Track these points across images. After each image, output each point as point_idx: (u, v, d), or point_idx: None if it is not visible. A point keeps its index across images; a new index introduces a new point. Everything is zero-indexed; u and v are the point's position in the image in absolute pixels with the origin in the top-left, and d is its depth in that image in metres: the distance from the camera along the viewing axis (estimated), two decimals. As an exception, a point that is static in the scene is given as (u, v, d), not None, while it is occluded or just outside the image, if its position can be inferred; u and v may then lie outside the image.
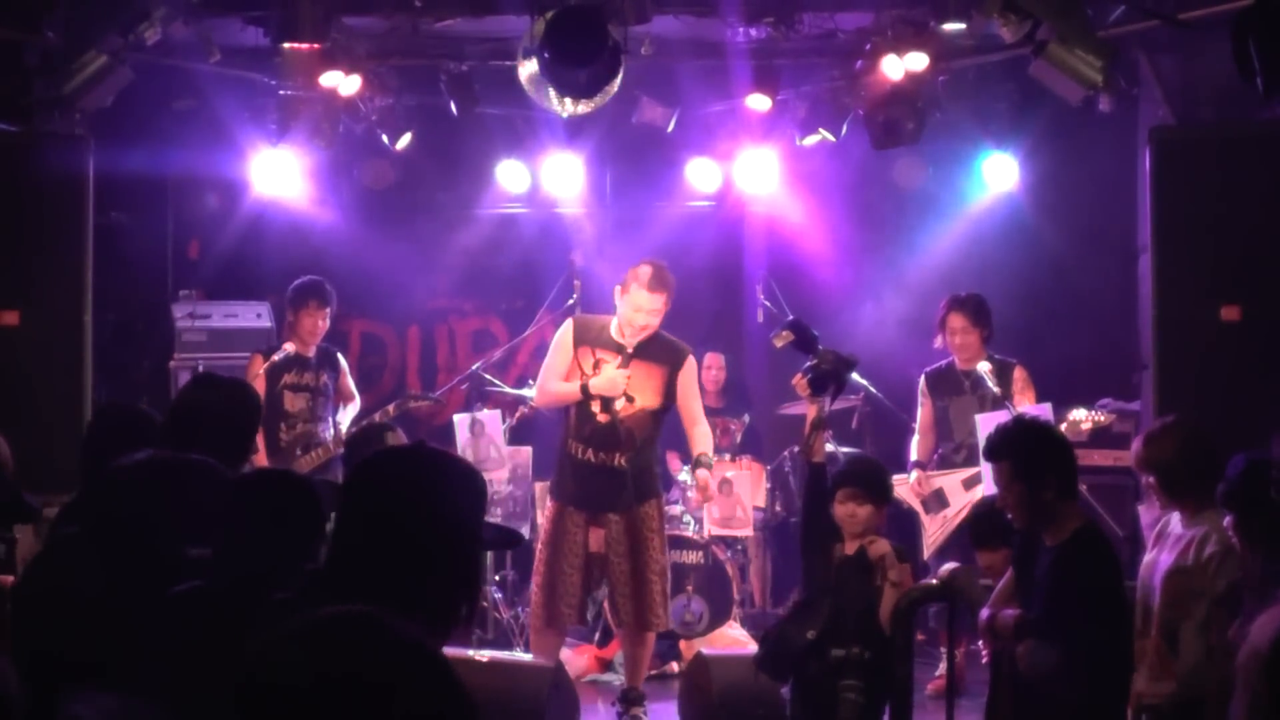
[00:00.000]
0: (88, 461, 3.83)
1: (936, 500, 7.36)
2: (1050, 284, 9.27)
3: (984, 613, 4.67)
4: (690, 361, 6.74)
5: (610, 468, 6.56)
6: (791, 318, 5.53)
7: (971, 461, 7.23)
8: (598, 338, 6.66)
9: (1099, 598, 4.43)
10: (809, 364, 5.15)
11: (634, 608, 6.58)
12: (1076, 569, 4.41)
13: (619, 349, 6.59)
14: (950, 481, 7.37)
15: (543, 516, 6.93)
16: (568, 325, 6.81)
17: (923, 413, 7.63)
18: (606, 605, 6.87)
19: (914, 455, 7.62)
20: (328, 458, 7.47)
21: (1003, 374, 7.35)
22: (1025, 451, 4.52)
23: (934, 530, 7.35)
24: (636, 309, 6.55)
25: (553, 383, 6.71)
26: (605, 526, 6.59)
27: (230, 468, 3.64)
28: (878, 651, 4.82)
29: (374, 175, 9.21)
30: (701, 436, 6.79)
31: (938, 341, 7.58)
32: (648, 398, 6.60)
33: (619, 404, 6.55)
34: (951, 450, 7.52)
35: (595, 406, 6.57)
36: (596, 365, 6.62)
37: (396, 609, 2.05)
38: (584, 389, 6.53)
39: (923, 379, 7.67)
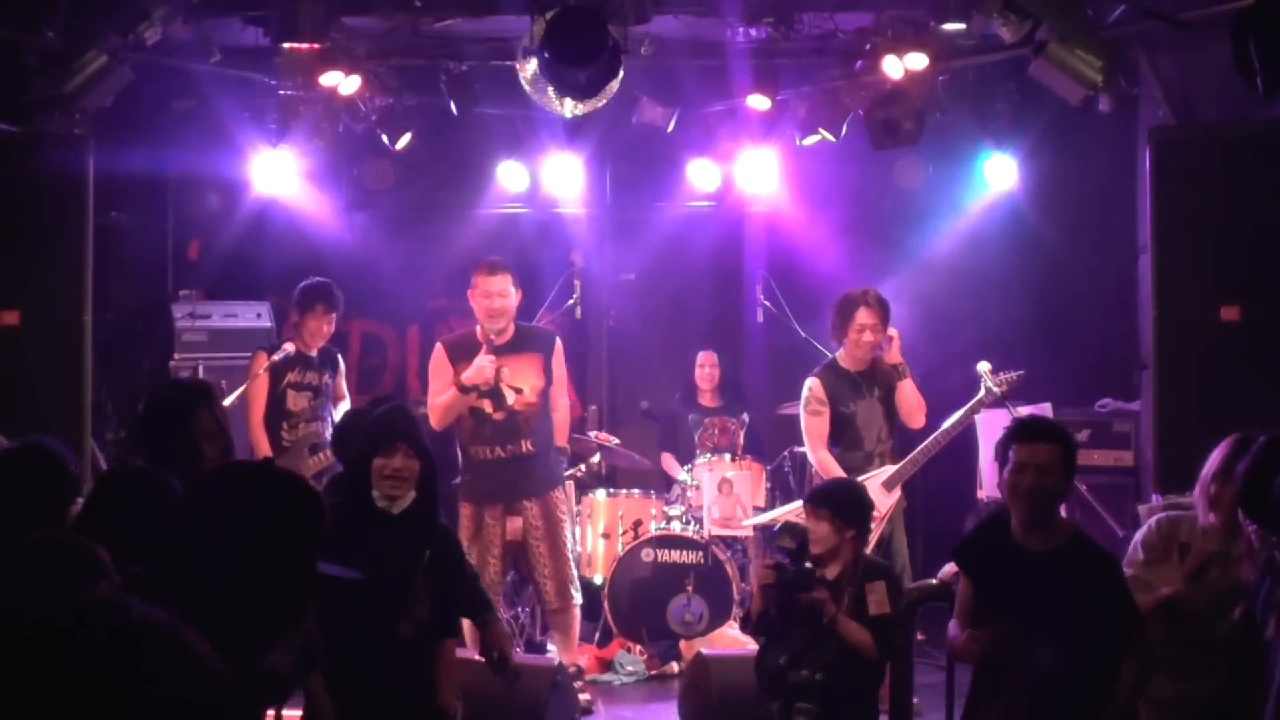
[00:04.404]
0: None
1: None
2: (1050, 284, 9.27)
3: (956, 631, 4.60)
4: (559, 344, 7.35)
5: (519, 455, 7.13)
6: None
7: (884, 465, 7.13)
8: (468, 348, 7.19)
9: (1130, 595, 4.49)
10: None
11: (556, 586, 7.14)
12: (1114, 569, 4.46)
13: (487, 346, 7.14)
14: (871, 485, 7.16)
15: (462, 515, 7.25)
16: (438, 349, 7.35)
17: (819, 423, 7.14)
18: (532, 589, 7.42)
19: (836, 468, 7.03)
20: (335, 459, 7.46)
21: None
22: (1070, 443, 4.57)
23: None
24: (487, 295, 7.13)
25: (436, 399, 7.21)
26: (521, 514, 7.13)
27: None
28: (835, 674, 4.91)
29: (374, 175, 9.21)
30: (560, 426, 7.38)
31: (838, 341, 7.20)
32: (533, 384, 7.17)
33: (510, 397, 7.13)
34: (862, 459, 7.11)
35: (488, 407, 7.13)
36: None
37: (215, 615, 2.08)
38: (459, 386, 7.08)
39: (817, 384, 7.16)
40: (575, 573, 7.29)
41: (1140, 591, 4.58)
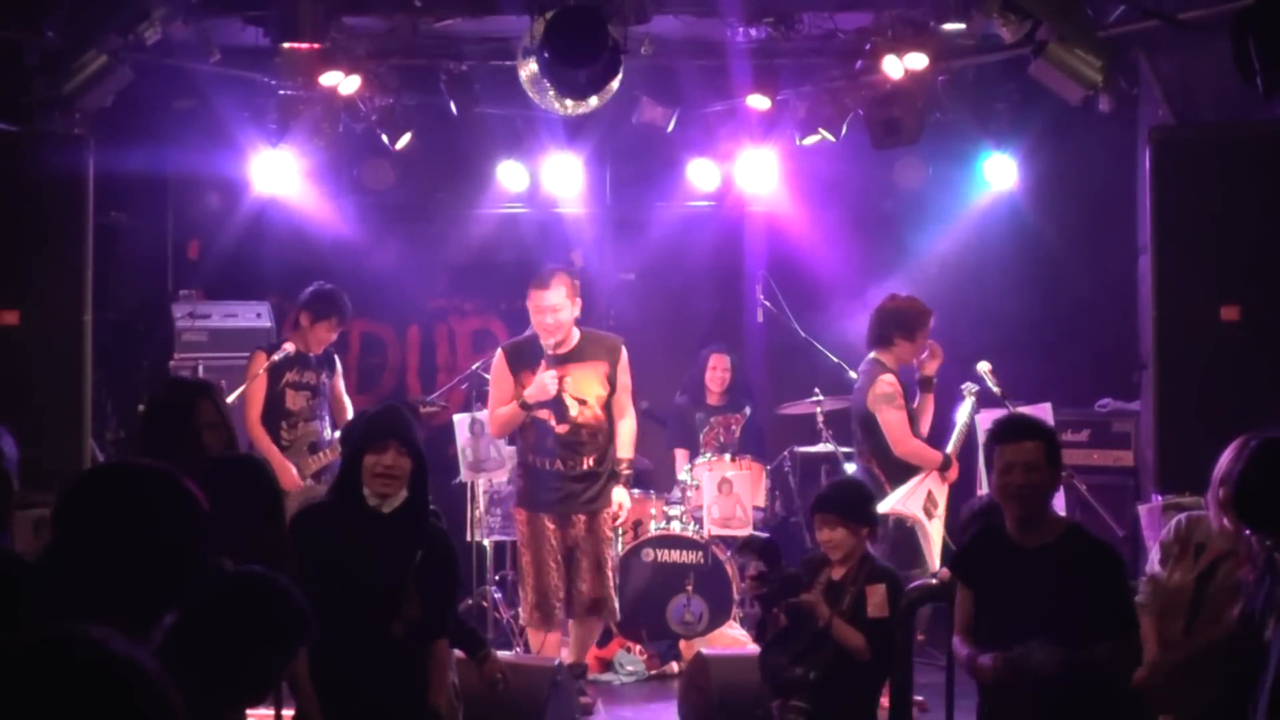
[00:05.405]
0: None
1: (932, 503, 7.19)
2: (1050, 284, 9.27)
3: (964, 649, 4.53)
4: (624, 352, 7.13)
5: (582, 472, 7.02)
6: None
7: None
8: (531, 355, 7.02)
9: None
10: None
11: (590, 597, 7.07)
12: (1111, 563, 4.45)
13: (548, 360, 6.96)
14: (933, 480, 7.19)
15: (518, 520, 7.22)
16: (499, 356, 7.18)
17: (904, 416, 7.17)
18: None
19: (931, 450, 7.19)
20: (335, 457, 7.46)
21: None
22: (1053, 438, 4.57)
23: (939, 534, 7.15)
24: (539, 310, 6.93)
25: (498, 410, 7.11)
26: (573, 526, 7.04)
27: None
28: (829, 674, 4.93)
29: (374, 175, 9.21)
30: (625, 434, 7.18)
31: (900, 346, 7.21)
32: (596, 395, 7.02)
33: (574, 410, 6.97)
34: None
35: (550, 419, 6.98)
36: None
37: (95, 610, 2.13)
38: (521, 404, 6.96)
39: (894, 380, 7.19)
40: (614, 593, 7.17)
41: (1161, 596, 4.59)
